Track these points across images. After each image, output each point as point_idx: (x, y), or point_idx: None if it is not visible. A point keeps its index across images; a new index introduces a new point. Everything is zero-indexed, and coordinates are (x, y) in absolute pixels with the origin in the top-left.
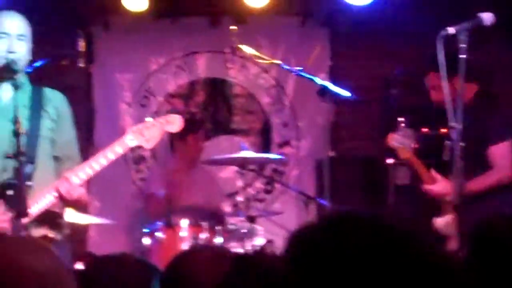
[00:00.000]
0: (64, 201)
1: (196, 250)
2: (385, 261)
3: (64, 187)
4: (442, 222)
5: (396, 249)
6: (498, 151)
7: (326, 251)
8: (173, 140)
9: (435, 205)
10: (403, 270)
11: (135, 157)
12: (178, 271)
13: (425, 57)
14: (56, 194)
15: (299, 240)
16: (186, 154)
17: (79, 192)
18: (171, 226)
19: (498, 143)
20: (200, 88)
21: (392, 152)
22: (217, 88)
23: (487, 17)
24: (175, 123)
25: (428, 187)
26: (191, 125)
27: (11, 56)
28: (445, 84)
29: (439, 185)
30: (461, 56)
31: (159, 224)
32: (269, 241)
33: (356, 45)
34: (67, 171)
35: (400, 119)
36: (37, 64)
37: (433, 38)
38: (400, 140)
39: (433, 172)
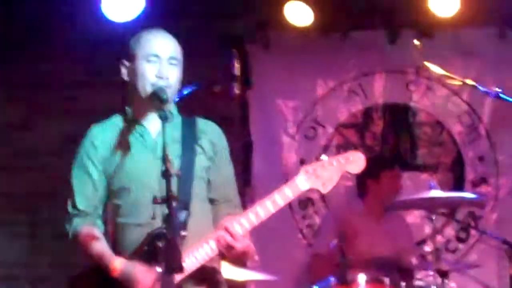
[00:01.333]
0: (225, 254)
1: None
2: None
3: (226, 238)
4: None
5: None
6: None
7: None
8: (362, 182)
9: None
10: None
11: (301, 200)
12: None
13: None
14: (216, 247)
15: None
16: (380, 197)
17: (244, 244)
18: (346, 283)
19: None
20: (377, 116)
21: None
22: (398, 116)
23: None
24: (358, 162)
25: None
26: (386, 161)
27: (161, 82)
28: None
29: None
30: None
31: (332, 280)
32: None
33: None
34: (226, 218)
35: None
36: (185, 91)
37: None
38: None
39: None
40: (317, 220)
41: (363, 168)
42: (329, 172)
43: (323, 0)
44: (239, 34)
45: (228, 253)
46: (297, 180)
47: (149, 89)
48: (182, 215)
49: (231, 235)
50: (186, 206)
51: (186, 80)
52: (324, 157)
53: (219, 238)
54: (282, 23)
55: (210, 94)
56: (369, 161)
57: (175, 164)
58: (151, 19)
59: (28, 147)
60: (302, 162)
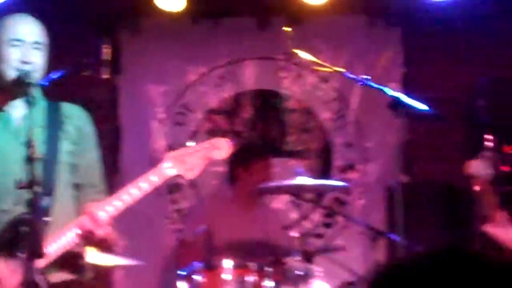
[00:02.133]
0: (88, 240)
1: None
2: None
3: (89, 224)
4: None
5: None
6: None
7: None
8: (233, 170)
9: None
10: None
11: (169, 185)
12: None
13: None
14: (79, 232)
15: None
16: (249, 187)
17: (107, 230)
18: (212, 268)
19: None
20: (247, 103)
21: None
22: (267, 102)
23: None
24: (223, 148)
25: (489, 229)
26: (257, 150)
27: (25, 67)
28: None
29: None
30: None
31: (198, 265)
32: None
33: (434, 48)
34: (91, 203)
35: (488, 137)
36: (54, 76)
37: None
38: (480, 168)
39: (505, 215)
40: (185, 205)
41: (228, 155)
42: (194, 158)
43: None
44: (109, 20)
45: (90, 239)
46: (163, 166)
47: (13, 74)
48: (45, 201)
49: (94, 221)
50: (50, 192)
51: (55, 64)
52: (190, 143)
53: (82, 224)
54: (153, 8)
55: (79, 78)
56: (240, 149)
57: (39, 149)
58: (18, 3)
59: None
60: (171, 147)
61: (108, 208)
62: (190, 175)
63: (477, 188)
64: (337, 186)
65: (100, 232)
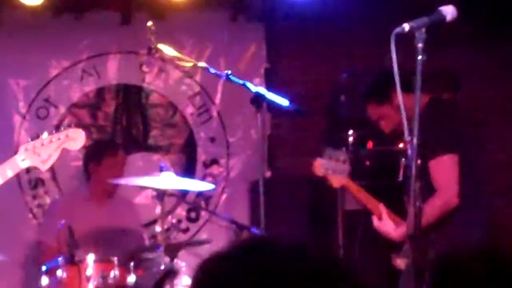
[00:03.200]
0: None
1: None
2: None
3: None
4: (402, 262)
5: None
6: (438, 166)
7: (236, 280)
8: (86, 164)
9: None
10: None
11: (31, 179)
12: None
13: (364, 87)
14: None
15: (209, 268)
16: (101, 181)
17: None
18: (74, 263)
19: (437, 157)
20: (110, 97)
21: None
22: (130, 97)
23: (449, 11)
24: (78, 139)
25: (375, 222)
26: (109, 145)
27: None
28: (400, 99)
29: (386, 225)
30: (418, 57)
31: (60, 260)
32: None
33: (297, 44)
34: None
35: (349, 132)
36: None
37: (386, 35)
38: (330, 166)
39: (382, 207)
40: (47, 200)
41: (82, 145)
42: (48, 150)
43: None
44: None
45: None
46: (17, 158)
47: None
48: None
49: None
50: None
51: None
52: (44, 135)
53: None
54: (13, 2)
55: None
56: (92, 144)
57: None
58: None
59: None
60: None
61: None
62: (44, 166)
63: (334, 184)
64: (200, 181)
65: None
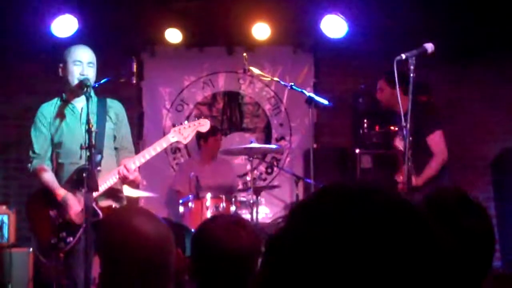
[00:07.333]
0: (124, 181)
1: (217, 217)
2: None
3: (124, 171)
4: None
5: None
6: (434, 139)
7: (329, 220)
8: (198, 141)
9: (393, 185)
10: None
11: (172, 148)
12: (204, 233)
13: (385, 72)
14: (118, 176)
15: (302, 210)
16: (208, 151)
17: (135, 175)
18: (199, 198)
19: (434, 132)
20: (220, 98)
21: (359, 144)
22: (232, 98)
23: (429, 47)
24: (205, 125)
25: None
26: (212, 130)
27: (83, 77)
28: (397, 95)
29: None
30: (411, 75)
31: (190, 197)
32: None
33: (334, 67)
34: (125, 159)
35: (364, 120)
36: (102, 81)
37: (391, 61)
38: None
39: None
40: (181, 160)
41: (209, 129)
42: (188, 131)
43: (194, 24)
44: (136, 46)
45: (125, 181)
46: (169, 135)
47: (76, 82)
48: (98, 157)
49: (127, 169)
50: (100, 152)
51: (102, 74)
52: (185, 122)
53: (120, 171)
54: (163, 40)
55: (118, 83)
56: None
57: (94, 126)
58: (78, 38)
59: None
60: (174, 125)
61: (136, 161)
62: (185, 141)
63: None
64: (274, 149)
65: (130, 176)
